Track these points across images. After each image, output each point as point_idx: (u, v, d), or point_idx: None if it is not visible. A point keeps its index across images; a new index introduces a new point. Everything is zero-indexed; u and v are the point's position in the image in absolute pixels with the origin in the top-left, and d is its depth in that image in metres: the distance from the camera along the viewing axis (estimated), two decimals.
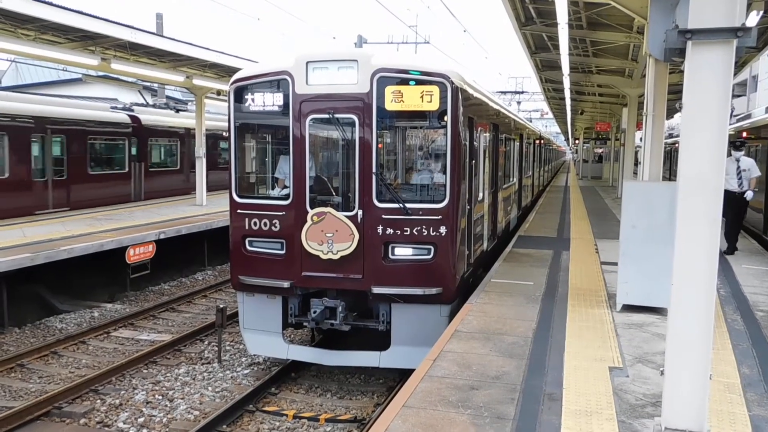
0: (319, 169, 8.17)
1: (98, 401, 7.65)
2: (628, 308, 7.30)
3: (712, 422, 4.32)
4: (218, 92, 18.18)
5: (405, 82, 7.23)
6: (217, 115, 23.26)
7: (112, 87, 26.76)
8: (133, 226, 13.49)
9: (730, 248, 10.88)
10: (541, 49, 15.39)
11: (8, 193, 14.42)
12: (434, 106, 7.21)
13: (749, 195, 10.83)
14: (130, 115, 19.10)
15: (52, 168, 15.71)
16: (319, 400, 7.72)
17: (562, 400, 4.81)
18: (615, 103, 25.20)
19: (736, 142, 10.63)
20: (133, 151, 18.91)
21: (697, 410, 3.98)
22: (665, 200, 6.72)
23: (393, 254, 7.40)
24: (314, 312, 7.50)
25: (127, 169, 18.68)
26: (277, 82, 7.60)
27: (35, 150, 15.20)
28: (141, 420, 7.13)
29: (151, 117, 20.15)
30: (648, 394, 4.92)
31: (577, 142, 55.47)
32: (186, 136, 21.17)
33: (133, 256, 12.07)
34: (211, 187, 21.90)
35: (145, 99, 25.16)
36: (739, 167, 10.57)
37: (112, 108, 19.51)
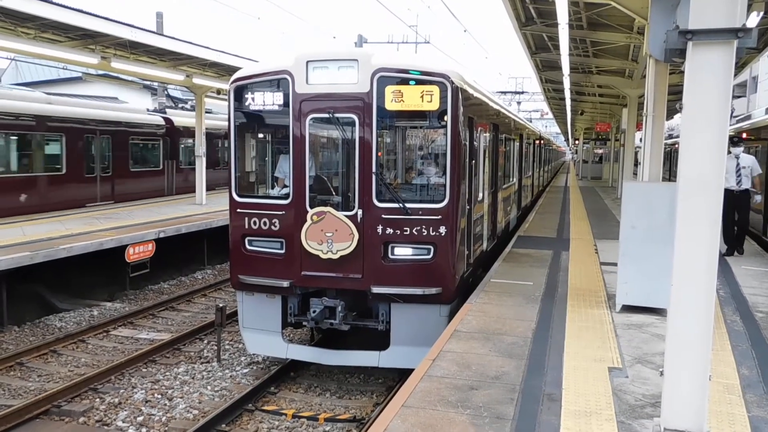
0: (319, 169, 8.16)
1: (97, 400, 7.65)
2: (628, 309, 7.29)
3: (712, 423, 4.32)
4: (218, 91, 18.21)
5: (405, 81, 7.22)
6: None
7: (112, 86, 26.84)
8: (132, 225, 13.49)
9: (730, 250, 10.72)
10: (541, 49, 15.38)
11: (65, 187, 16.10)
12: (434, 105, 7.20)
13: (757, 198, 10.67)
14: (164, 117, 20.77)
15: (100, 165, 17.30)
16: (319, 399, 7.72)
17: (561, 400, 4.81)
18: (615, 103, 25.19)
19: (734, 138, 10.32)
20: (167, 149, 20.40)
21: (697, 411, 3.98)
22: (665, 201, 6.71)
23: (392, 254, 7.39)
24: (314, 311, 7.49)
25: (161, 167, 20.36)
26: (277, 81, 7.59)
27: (86, 149, 16.84)
28: (140, 419, 7.13)
29: (181, 119, 21.65)
30: (647, 394, 4.92)
31: (576, 142, 55.48)
32: (210, 135, 22.24)
33: (133, 254, 12.08)
34: None
35: (174, 102, 26.24)
36: (738, 164, 10.34)
37: (148, 111, 21.16)
